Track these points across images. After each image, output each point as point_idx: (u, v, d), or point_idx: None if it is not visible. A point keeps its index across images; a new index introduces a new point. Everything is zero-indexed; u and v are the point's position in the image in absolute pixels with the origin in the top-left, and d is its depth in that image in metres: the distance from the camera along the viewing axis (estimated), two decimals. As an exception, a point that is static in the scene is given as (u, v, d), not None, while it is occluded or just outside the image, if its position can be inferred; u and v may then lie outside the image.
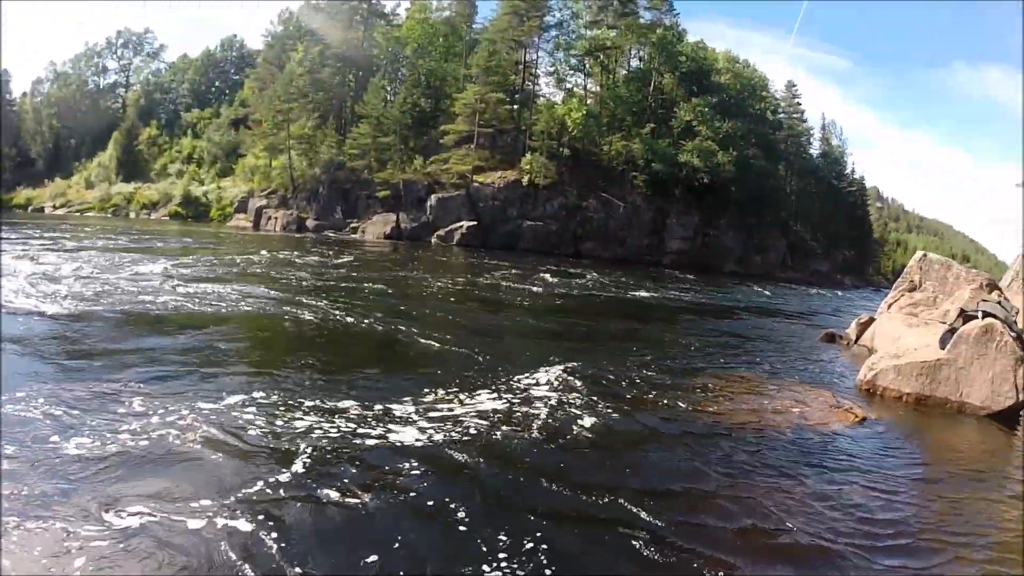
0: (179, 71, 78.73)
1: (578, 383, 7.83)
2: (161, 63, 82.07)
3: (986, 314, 8.74)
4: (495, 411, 6.38)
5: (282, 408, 5.94)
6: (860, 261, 71.83)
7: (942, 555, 4.28)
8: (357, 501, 4.25)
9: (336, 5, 55.06)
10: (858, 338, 13.61)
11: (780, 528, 4.42)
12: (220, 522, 3.85)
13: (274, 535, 3.76)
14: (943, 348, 8.76)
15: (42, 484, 4.15)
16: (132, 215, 54.47)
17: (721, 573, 3.79)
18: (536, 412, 6.49)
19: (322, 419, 5.71)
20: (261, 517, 3.93)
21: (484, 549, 3.77)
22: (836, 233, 67.89)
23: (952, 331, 8.84)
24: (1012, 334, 8.38)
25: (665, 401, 7.56)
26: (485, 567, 3.61)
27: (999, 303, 9.15)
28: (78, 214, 53.65)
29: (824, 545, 4.23)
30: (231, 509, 3.99)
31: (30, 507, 3.86)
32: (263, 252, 23.00)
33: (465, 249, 37.78)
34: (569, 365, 8.63)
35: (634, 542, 4.00)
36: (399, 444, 5.30)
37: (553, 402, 6.89)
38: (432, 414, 6.13)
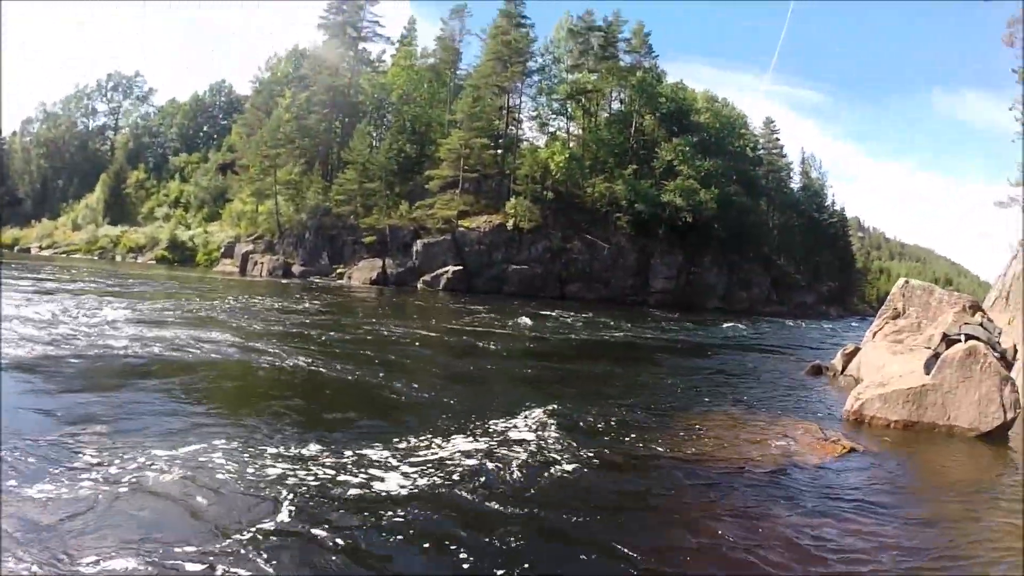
0: (168, 115, 79.39)
1: (560, 429, 7.62)
2: (150, 107, 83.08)
3: (969, 336, 8.70)
4: (473, 460, 6.15)
5: (251, 456, 5.71)
6: (844, 291, 72.48)
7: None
8: (329, 555, 4.04)
9: (323, 52, 55.91)
10: (844, 369, 13.54)
11: (766, 571, 4.24)
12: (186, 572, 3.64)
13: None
14: (928, 373, 8.70)
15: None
16: (118, 258, 54.13)
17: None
18: (516, 459, 6.27)
19: (295, 466, 5.50)
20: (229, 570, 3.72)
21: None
22: (819, 265, 68.65)
23: (936, 356, 8.79)
24: (996, 355, 8.35)
25: (649, 444, 7.37)
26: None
27: (981, 324, 9.13)
28: (64, 256, 53.24)
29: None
30: (193, 561, 3.78)
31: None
32: (245, 298, 22.77)
33: (451, 294, 37.70)
34: (550, 409, 8.42)
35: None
36: (375, 493, 5.09)
37: (532, 449, 6.66)
38: (412, 459, 5.94)
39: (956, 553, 4.70)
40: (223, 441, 6.01)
